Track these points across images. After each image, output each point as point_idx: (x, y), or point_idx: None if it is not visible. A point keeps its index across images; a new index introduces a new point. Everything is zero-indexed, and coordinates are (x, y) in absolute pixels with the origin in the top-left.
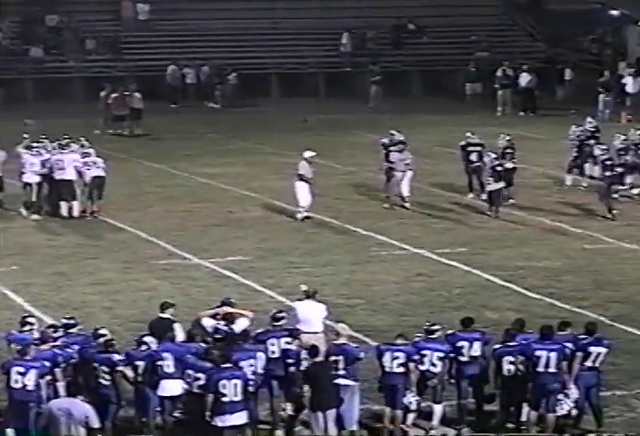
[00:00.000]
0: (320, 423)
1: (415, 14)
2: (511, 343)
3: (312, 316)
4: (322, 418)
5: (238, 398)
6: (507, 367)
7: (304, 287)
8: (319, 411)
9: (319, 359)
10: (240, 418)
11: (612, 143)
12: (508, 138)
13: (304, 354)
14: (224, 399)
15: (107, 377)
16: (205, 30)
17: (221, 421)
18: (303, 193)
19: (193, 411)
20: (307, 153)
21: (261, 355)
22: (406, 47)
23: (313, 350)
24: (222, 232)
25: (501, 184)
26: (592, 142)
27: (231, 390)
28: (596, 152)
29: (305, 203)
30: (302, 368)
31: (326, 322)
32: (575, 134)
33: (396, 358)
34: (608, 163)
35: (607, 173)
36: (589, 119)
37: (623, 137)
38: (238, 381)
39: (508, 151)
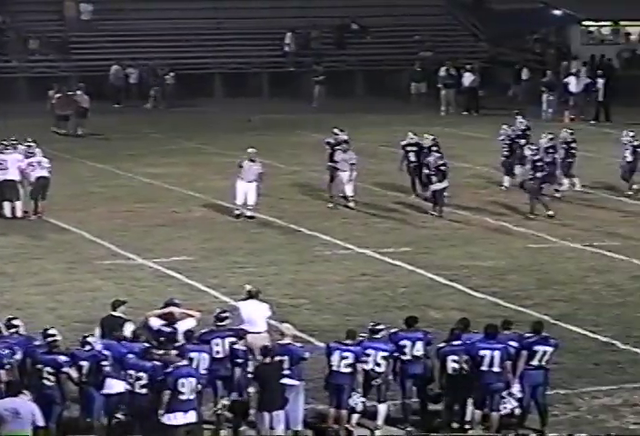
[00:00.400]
0: (266, 423)
1: (358, 13)
2: (455, 343)
3: (255, 316)
4: (268, 418)
5: (193, 396)
6: (452, 365)
7: (247, 287)
8: (266, 412)
9: (269, 359)
10: (192, 416)
11: (538, 142)
12: (433, 137)
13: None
14: (181, 397)
15: (52, 378)
16: (149, 30)
17: (175, 419)
18: (239, 190)
19: (137, 411)
20: (249, 150)
21: (204, 355)
22: (350, 47)
23: (265, 350)
24: (166, 233)
25: (445, 184)
26: (522, 141)
27: (188, 387)
28: (526, 152)
29: (239, 201)
30: (249, 368)
31: (271, 322)
32: (506, 134)
33: (345, 358)
34: (539, 163)
35: (538, 174)
36: (520, 119)
37: (550, 136)
38: (193, 380)
39: (434, 149)
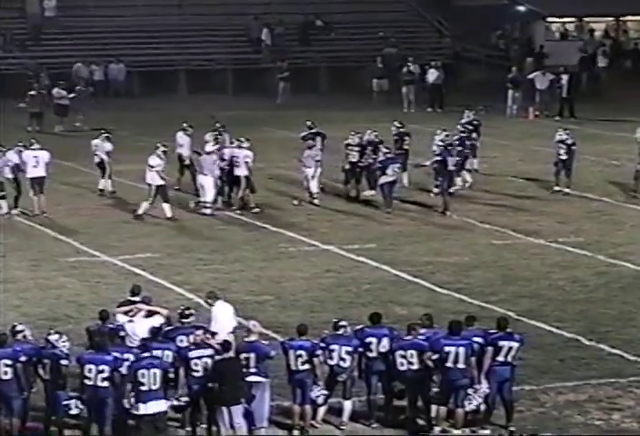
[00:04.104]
0: (225, 419)
1: (322, 10)
2: (406, 338)
3: (229, 316)
4: (226, 413)
5: (156, 387)
6: (399, 361)
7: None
8: (224, 407)
9: (229, 355)
10: (158, 406)
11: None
12: (376, 133)
13: (205, 352)
14: (142, 388)
15: (9, 370)
16: (113, 27)
17: (142, 409)
18: (197, 184)
19: (98, 403)
20: (207, 147)
21: (168, 353)
22: (314, 44)
23: (225, 345)
24: (130, 230)
25: (390, 178)
26: (474, 135)
27: (150, 379)
28: (433, 148)
29: (209, 198)
30: (196, 367)
31: (238, 319)
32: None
33: (299, 356)
34: (438, 158)
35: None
36: (467, 113)
37: (445, 133)
38: (157, 371)
39: (378, 146)
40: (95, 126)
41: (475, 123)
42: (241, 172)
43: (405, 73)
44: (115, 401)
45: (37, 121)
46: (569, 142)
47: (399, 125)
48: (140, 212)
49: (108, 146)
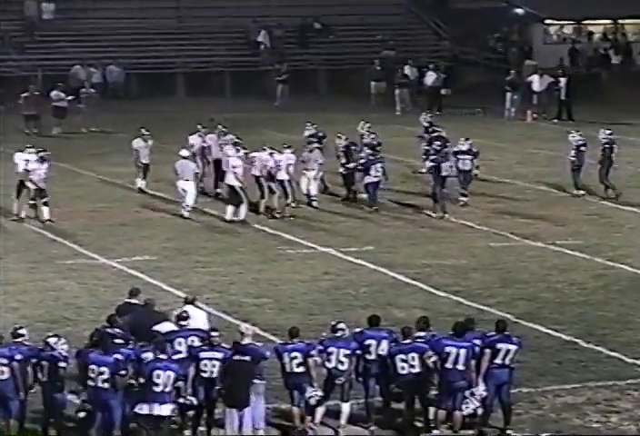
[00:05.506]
0: (234, 420)
1: (321, 13)
2: (404, 342)
3: (194, 322)
4: (236, 415)
5: (168, 389)
6: (400, 365)
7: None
8: (234, 409)
9: (238, 356)
10: (166, 409)
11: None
12: (346, 137)
13: (217, 354)
14: (155, 388)
15: (5, 370)
16: (111, 29)
17: (148, 410)
18: (179, 188)
19: (100, 405)
20: (181, 152)
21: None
22: (313, 46)
23: (237, 346)
24: (128, 232)
25: (374, 179)
26: (427, 136)
27: (164, 380)
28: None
29: (191, 202)
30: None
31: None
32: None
33: (294, 358)
34: (434, 163)
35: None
36: (423, 115)
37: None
38: (172, 373)
39: (375, 148)
40: (94, 128)
41: (426, 125)
42: (283, 176)
43: (399, 76)
44: (123, 406)
45: (34, 123)
46: (579, 143)
47: (369, 125)
48: (242, 217)
49: (142, 145)
